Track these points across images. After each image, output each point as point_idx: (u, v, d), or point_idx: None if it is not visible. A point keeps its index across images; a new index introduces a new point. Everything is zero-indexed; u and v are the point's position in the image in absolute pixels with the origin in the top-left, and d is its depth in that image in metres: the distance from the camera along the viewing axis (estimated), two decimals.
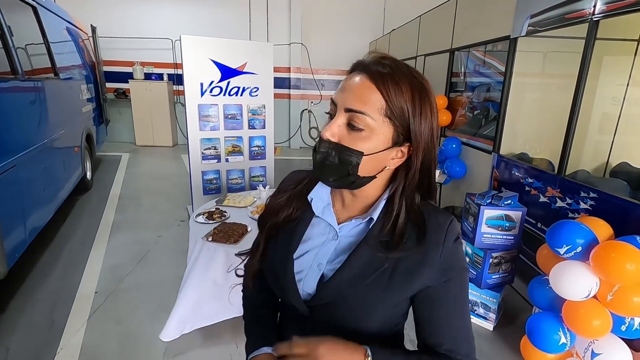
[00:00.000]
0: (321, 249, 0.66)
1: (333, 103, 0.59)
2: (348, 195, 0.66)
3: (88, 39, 5.56)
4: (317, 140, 0.61)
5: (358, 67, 0.59)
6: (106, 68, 6.62)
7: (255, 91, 3.49)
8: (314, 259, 0.65)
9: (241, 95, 3.43)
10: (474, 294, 2.30)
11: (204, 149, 3.39)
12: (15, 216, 2.31)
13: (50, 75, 3.37)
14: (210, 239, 1.87)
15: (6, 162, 2.20)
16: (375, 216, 0.63)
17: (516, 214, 2.14)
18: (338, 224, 0.66)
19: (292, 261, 0.66)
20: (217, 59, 3.24)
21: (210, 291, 1.83)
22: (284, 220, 0.70)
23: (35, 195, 2.69)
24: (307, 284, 0.65)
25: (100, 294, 2.46)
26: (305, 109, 7.79)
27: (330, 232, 0.66)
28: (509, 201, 2.16)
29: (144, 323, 2.19)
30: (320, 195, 0.68)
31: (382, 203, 0.63)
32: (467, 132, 3.65)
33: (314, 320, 0.65)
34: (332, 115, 0.60)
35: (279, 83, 7.42)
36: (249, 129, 3.55)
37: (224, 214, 2.21)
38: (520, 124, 2.95)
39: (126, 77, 6.95)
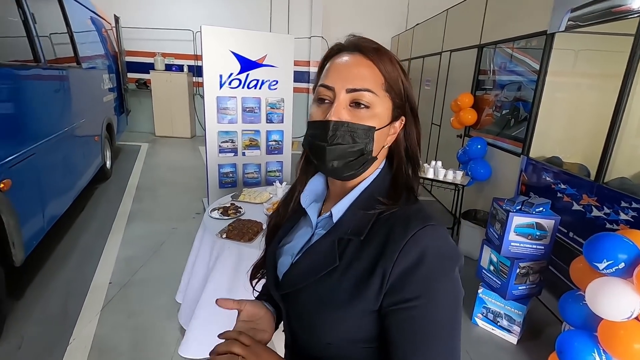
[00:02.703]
0: (301, 238, 0.65)
1: (327, 88, 0.56)
2: (337, 187, 0.63)
3: (111, 29, 5.61)
4: (318, 125, 0.57)
5: (347, 48, 0.58)
6: (128, 58, 6.69)
7: (275, 84, 3.42)
8: (291, 248, 0.65)
9: (260, 88, 3.36)
10: (498, 304, 2.18)
11: (221, 142, 3.35)
12: (34, 204, 2.32)
13: (73, 64, 3.39)
14: (224, 235, 1.82)
15: (25, 149, 2.20)
16: (335, 212, 0.59)
17: (548, 223, 2.00)
18: (319, 217, 0.64)
19: (277, 245, 0.67)
20: (237, 50, 3.18)
21: (232, 295, 1.77)
22: (286, 216, 0.70)
23: (54, 183, 2.71)
24: (281, 272, 0.64)
25: (114, 284, 2.46)
26: None
27: (312, 224, 0.65)
28: (541, 208, 2.02)
29: (156, 317, 2.17)
30: (314, 188, 0.67)
31: (351, 196, 0.59)
32: (493, 132, 3.48)
33: (286, 311, 0.64)
34: (329, 101, 0.57)
35: (298, 77, 7.32)
36: (267, 122, 3.48)
37: (239, 210, 2.15)
38: (552, 126, 2.77)
39: (147, 67, 7.01)
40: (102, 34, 4.88)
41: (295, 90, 7.34)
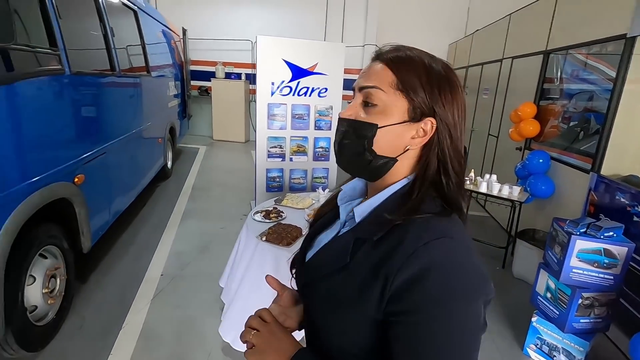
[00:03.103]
0: (328, 234, 0.66)
1: (353, 90, 0.60)
2: (371, 189, 0.63)
3: (179, 40, 6.09)
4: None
5: (373, 58, 0.60)
6: (192, 67, 7.22)
7: (324, 92, 3.46)
8: (319, 243, 0.67)
9: (310, 95, 3.42)
10: (555, 336, 1.96)
11: (270, 147, 3.46)
12: (102, 198, 2.57)
13: (143, 73, 3.73)
14: (264, 238, 1.86)
15: (98, 148, 2.46)
16: (359, 211, 0.59)
17: (620, 250, 1.76)
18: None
19: (307, 242, 0.70)
20: (289, 59, 3.27)
21: (264, 293, 1.81)
22: (326, 212, 0.73)
23: (120, 180, 2.98)
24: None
25: (165, 277, 2.63)
26: None
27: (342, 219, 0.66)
28: (611, 233, 1.79)
29: (199, 311, 2.28)
30: (353, 186, 0.68)
31: (377, 198, 0.59)
32: (558, 145, 3.18)
33: (304, 303, 0.67)
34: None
35: (349, 85, 7.29)
36: (315, 129, 3.53)
37: (281, 214, 2.20)
38: (630, 140, 2.46)
39: (209, 75, 7.49)
40: (171, 45, 5.32)
41: (346, 97, 7.38)
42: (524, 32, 3.93)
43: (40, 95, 1.81)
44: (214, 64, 7.46)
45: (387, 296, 0.49)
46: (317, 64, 3.36)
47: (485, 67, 4.99)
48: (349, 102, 0.61)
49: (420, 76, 0.55)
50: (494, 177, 3.15)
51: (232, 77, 7.55)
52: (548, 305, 2.01)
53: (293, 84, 3.35)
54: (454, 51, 6.86)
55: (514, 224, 3.16)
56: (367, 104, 0.57)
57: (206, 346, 2.00)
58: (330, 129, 3.56)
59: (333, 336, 0.57)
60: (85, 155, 2.25)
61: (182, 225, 3.55)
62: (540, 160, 3.06)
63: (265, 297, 0.76)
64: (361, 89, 0.57)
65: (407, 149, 0.57)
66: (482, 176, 3.23)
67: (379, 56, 0.59)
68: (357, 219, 0.59)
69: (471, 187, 3.16)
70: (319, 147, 3.59)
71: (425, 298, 0.46)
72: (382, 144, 0.56)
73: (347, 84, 8.09)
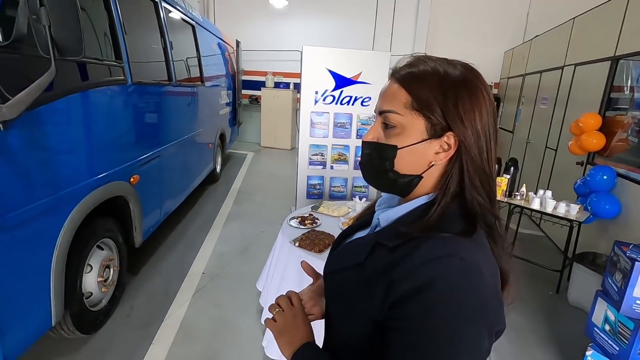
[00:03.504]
0: (359, 235, 0.69)
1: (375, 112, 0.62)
2: (403, 200, 0.65)
3: (233, 52, 6.45)
4: None
5: (390, 75, 0.61)
6: (244, 77, 7.58)
7: (367, 101, 3.45)
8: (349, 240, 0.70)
9: (352, 104, 3.44)
10: None
11: (312, 155, 3.51)
12: (154, 198, 2.78)
13: (198, 83, 4.00)
14: (297, 244, 1.89)
15: (153, 152, 2.67)
16: (384, 217, 0.61)
17: None
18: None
19: (342, 239, 0.72)
20: (333, 68, 3.32)
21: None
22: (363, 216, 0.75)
23: (172, 182, 3.21)
24: None
25: (206, 275, 2.77)
26: None
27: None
28: None
29: (235, 310, 2.36)
30: (390, 196, 0.69)
31: (403, 208, 0.60)
32: (627, 161, 2.85)
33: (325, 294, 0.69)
34: None
35: None
36: (357, 138, 3.52)
37: (316, 221, 2.22)
38: None
39: (260, 85, 7.82)
40: (225, 57, 5.65)
41: None
42: (589, 37, 3.61)
43: (105, 102, 2.02)
44: (264, 73, 7.78)
45: (389, 301, 0.50)
46: (361, 73, 3.37)
47: (544, 75, 4.65)
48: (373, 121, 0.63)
49: (434, 91, 0.54)
50: (549, 193, 2.91)
51: (281, 86, 7.80)
52: (606, 339, 1.80)
53: (336, 93, 3.39)
54: (509, 59, 6.50)
55: (571, 246, 2.88)
56: (386, 126, 0.58)
57: (239, 344, 2.07)
58: None
59: (339, 326, 0.62)
60: (141, 158, 2.46)
61: (225, 226, 3.71)
62: (605, 177, 2.77)
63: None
64: (380, 112, 0.59)
65: (432, 165, 0.57)
66: (537, 192, 3.00)
67: (393, 73, 0.59)
68: (382, 225, 0.62)
69: (522, 203, 2.95)
70: (360, 156, 3.57)
71: (422, 311, 0.47)
72: (404, 163, 0.57)
73: None
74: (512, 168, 3.05)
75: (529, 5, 6.61)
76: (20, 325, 1.48)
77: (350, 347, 0.60)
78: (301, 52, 3.32)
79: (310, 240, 1.89)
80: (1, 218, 1.30)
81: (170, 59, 3.03)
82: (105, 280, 2.13)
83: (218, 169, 5.26)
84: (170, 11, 3.22)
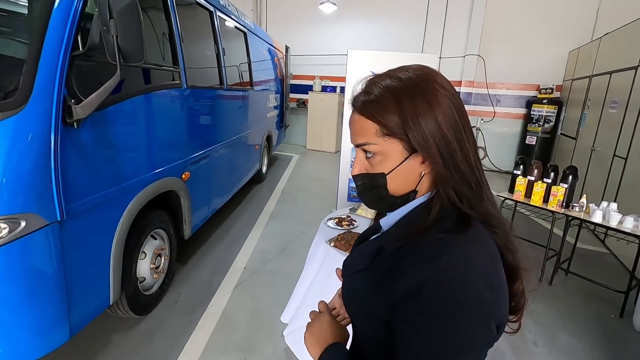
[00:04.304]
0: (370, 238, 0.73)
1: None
2: None
3: (282, 57, 6.67)
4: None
5: (351, 104, 0.62)
6: (293, 81, 7.79)
7: None
8: None
9: None
10: None
11: (353, 158, 3.51)
12: (203, 194, 2.96)
13: (248, 87, 4.20)
14: (332, 244, 1.92)
15: (204, 151, 2.85)
16: (385, 222, 0.65)
17: None
18: None
19: (358, 244, 0.75)
20: (377, 71, 3.29)
21: (325, 297, 1.87)
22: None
23: (220, 180, 3.40)
24: None
25: (247, 270, 2.89)
26: (473, 126, 7.08)
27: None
28: None
29: (272, 306, 2.44)
30: None
31: (400, 212, 0.62)
32: None
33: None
34: None
35: None
36: None
37: (353, 222, 2.22)
38: None
39: (307, 89, 7.99)
40: (275, 62, 5.86)
41: None
42: None
43: (163, 104, 2.21)
44: (312, 77, 7.93)
45: (391, 304, 0.53)
46: None
47: (615, 76, 4.23)
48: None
49: (394, 111, 0.55)
50: (613, 205, 2.64)
51: (328, 90, 7.90)
52: None
53: None
54: (574, 59, 5.99)
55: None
56: (368, 155, 0.60)
57: (273, 339, 2.13)
58: None
59: (357, 329, 0.67)
60: (193, 156, 2.64)
61: (268, 225, 3.84)
62: None
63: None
64: (356, 146, 0.61)
65: (423, 175, 0.59)
66: (597, 204, 2.74)
67: (354, 105, 0.61)
68: (384, 228, 0.66)
69: (581, 216, 2.71)
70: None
71: (418, 312, 0.50)
72: (396, 184, 0.59)
73: None
74: (570, 177, 2.82)
75: (600, 1, 6.05)
76: (84, 302, 1.66)
77: (368, 348, 0.64)
78: (346, 56, 3.35)
79: (346, 241, 1.91)
80: (72, 204, 1.49)
81: (223, 64, 3.23)
82: (157, 268, 2.32)
83: (264, 169, 5.46)
84: (224, 20, 3.43)
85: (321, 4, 7.05)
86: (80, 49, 1.48)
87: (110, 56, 1.48)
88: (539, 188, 2.85)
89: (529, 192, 2.96)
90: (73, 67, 1.44)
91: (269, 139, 5.54)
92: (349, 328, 0.74)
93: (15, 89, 1.28)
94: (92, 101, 1.47)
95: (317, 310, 0.75)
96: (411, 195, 0.60)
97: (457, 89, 7.48)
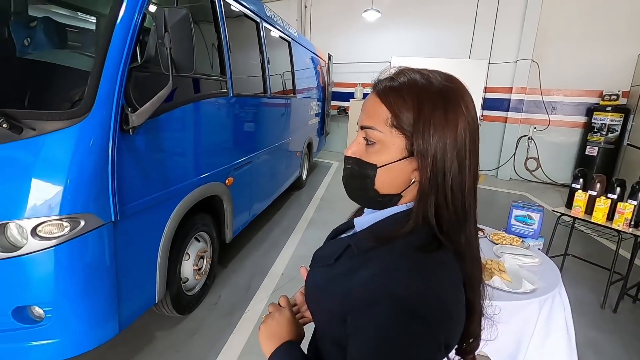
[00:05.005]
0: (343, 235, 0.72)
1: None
2: None
3: (325, 65, 6.74)
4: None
5: (373, 86, 0.61)
6: (334, 89, 7.84)
7: None
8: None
9: None
10: None
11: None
12: (244, 199, 3.04)
13: (290, 95, 4.28)
14: None
15: (247, 157, 2.94)
16: (359, 223, 0.63)
17: None
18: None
19: (329, 240, 0.74)
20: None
21: None
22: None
23: (261, 186, 3.47)
24: None
25: (285, 276, 2.91)
26: (524, 135, 6.65)
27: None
28: None
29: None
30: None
31: (377, 215, 0.61)
32: None
33: None
34: None
35: (495, 104, 6.65)
36: None
37: None
38: None
39: (349, 96, 8.00)
40: (317, 70, 5.93)
41: (489, 118, 6.77)
42: None
43: (210, 112, 2.31)
44: (354, 85, 7.93)
45: (346, 308, 0.53)
46: None
47: None
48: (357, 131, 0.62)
49: (411, 108, 0.54)
50: None
51: None
52: None
53: None
54: None
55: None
56: (368, 142, 0.58)
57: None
58: None
59: (316, 325, 0.66)
60: (236, 162, 2.73)
61: (306, 231, 3.86)
62: None
63: None
64: (361, 127, 0.59)
65: (413, 182, 0.57)
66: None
67: (375, 87, 0.59)
68: (357, 229, 0.64)
69: None
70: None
71: (369, 323, 0.49)
72: (384, 182, 0.57)
73: (494, 104, 7.39)
74: (639, 193, 2.53)
75: None
76: (133, 299, 1.76)
77: (326, 347, 0.62)
78: (389, 63, 3.30)
79: None
80: (126, 206, 1.58)
81: (267, 73, 3.32)
82: (199, 269, 2.40)
83: (304, 176, 5.51)
84: (269, 30, 3.54)
85: (365, 11, 7.04)
86: (138, 61, 1.58)
87: (163, 67, 1.57)
88: (602, 204, 2.59)
89: (589, 209, 2.70)
90: (131, 78, 1.54)
91: (309, 146, 5.59)
92: (309, 328, 0.74)
93: (80, 98, 1.40)
94: (147, 109, 1.56)
95: (277, 304, 0.73)
96: (394, 198, 0.58)
97: (506, 95, 7.12)
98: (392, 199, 0.59)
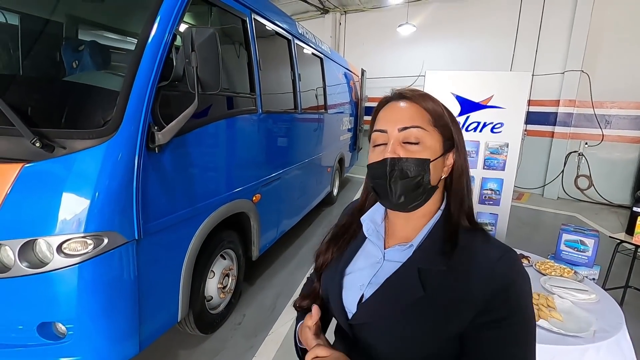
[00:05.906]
0: (366, 270, 0.69)
1: (381, 132, 0.66)
2: (401, 220, 0.69)
3: (358, 80, 6.70)
4: (376, 165, 0.65)
5: (393, 99, 0.68)
6: (368, 104, 7.76)
7: (499, 127, 3.05)
8: (358, 279, 0.69)
9: (480, 131, 3.08)
10: None
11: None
12: (272, 217, 3.00)
13: (322, 110, 4.25)
14: None
15: (275, 173, 2.91)
16: (416, 243, 0.65)
17: None
18: (385, 248, 0.70)
19: (340, 276, 0.72)
20: (458, 92, 3.07)
21: None
22: (337, 246, 0.79)
23: (289, 203, 3.42)
24: (349, 303, 0.69)
25: None
26: (574, 151, 6.16)
27: (378, 255, 0.70)
28: None
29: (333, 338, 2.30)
30: (373, 218, 0.74)
31: (427, 229, 0.65)
32: None
33: (356, 340, 0.67)
34: (384, 144, 0.66)
35: (540, 119, 6.24)
36: (484, 169, 3.13)
37: None
38: None
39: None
40: (350, 85, 5.90)
41: (533, 133, 6.38)
42: None
43: (237, 129, 2.31)
44: None
45: (476, 311, 0.56)
46: (492, 96, 3.01)
47: None
48: (376, 146, 0.68)
49: (442, 109, 0.66)
50: None
51: None
52: None
53: (461, 119, 3.09)
54: None
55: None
56: (408, 143, 0.63)
57: None
58: (503, 169, 3.09)
59: (417, 356, 0.61)
60: (264, 179, 2.70)
61: None
62: None
63: None
64: (402, 129, 0.63)
65: (442, 178, 0.66)
66: None
67: (403, 96, 0.67)
68: (393, 257, 0.67)
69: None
70: (487, 189, 3.15)
71: (516, 303, 0.56)
72: (434, 174, 0.64)
73: (539, 118, 6.94)
74: None
75: None
76: (154, 318, 1.74)
77: None
78: (424, 77, 3.18)
79: None
80: (149, 224, 1.58)
81: (298, 89, 3.31)
82: (224, 287, 2.37)
83: (335, 192, 5.42)
84: (301, 47, 3.55)
85: (399, 26, 6.97)
86: (166, 80, 1.60)
87: (189, 86, 1.57)
88: None
89: None
90: (158, 96, 1.56)
91: (341, 161, 5.52)
92: None
93: (109, 118, 1.42)
94: (172, 128, 1.57)
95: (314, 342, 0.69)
96: (433, 190, 0.65)
97: (552, 109, 6.68)
98: (433, 190, 0.65)
